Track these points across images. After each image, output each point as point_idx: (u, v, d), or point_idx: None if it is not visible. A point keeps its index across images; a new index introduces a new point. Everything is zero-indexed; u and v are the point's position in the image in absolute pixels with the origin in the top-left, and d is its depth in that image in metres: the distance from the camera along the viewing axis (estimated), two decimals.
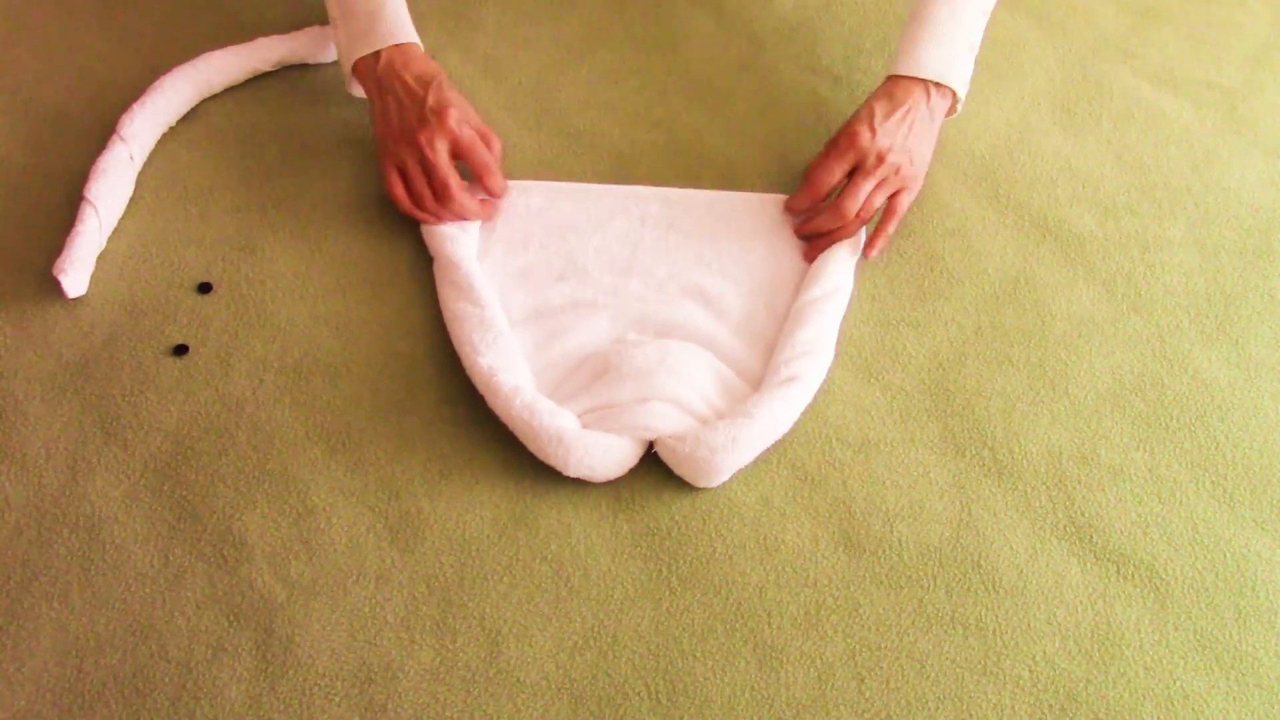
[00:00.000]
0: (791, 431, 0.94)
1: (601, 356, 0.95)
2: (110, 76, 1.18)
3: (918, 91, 1.04)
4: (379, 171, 1.06)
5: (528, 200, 1.07)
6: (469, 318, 0.96)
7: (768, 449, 0.93)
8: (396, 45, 1.05)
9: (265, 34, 1.20)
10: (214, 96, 1.17)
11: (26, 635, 0.83)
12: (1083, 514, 0.90)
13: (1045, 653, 0.83)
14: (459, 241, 1.02)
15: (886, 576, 0.87)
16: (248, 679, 0.81)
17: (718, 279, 1.03)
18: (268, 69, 1.18)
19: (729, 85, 1.20)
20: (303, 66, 1.20)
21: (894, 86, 1.05)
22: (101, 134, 1.11)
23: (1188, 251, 1.07)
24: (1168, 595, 0.86)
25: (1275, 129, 1.18)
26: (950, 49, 1.06)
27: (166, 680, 0.81)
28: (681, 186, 1.10)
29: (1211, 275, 1.05)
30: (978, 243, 1.07)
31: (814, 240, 1.04)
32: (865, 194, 1.02)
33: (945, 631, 0.84)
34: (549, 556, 0.87)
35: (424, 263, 1.04)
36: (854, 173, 1.03)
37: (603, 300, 1.00)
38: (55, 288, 1.00)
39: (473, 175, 1.05)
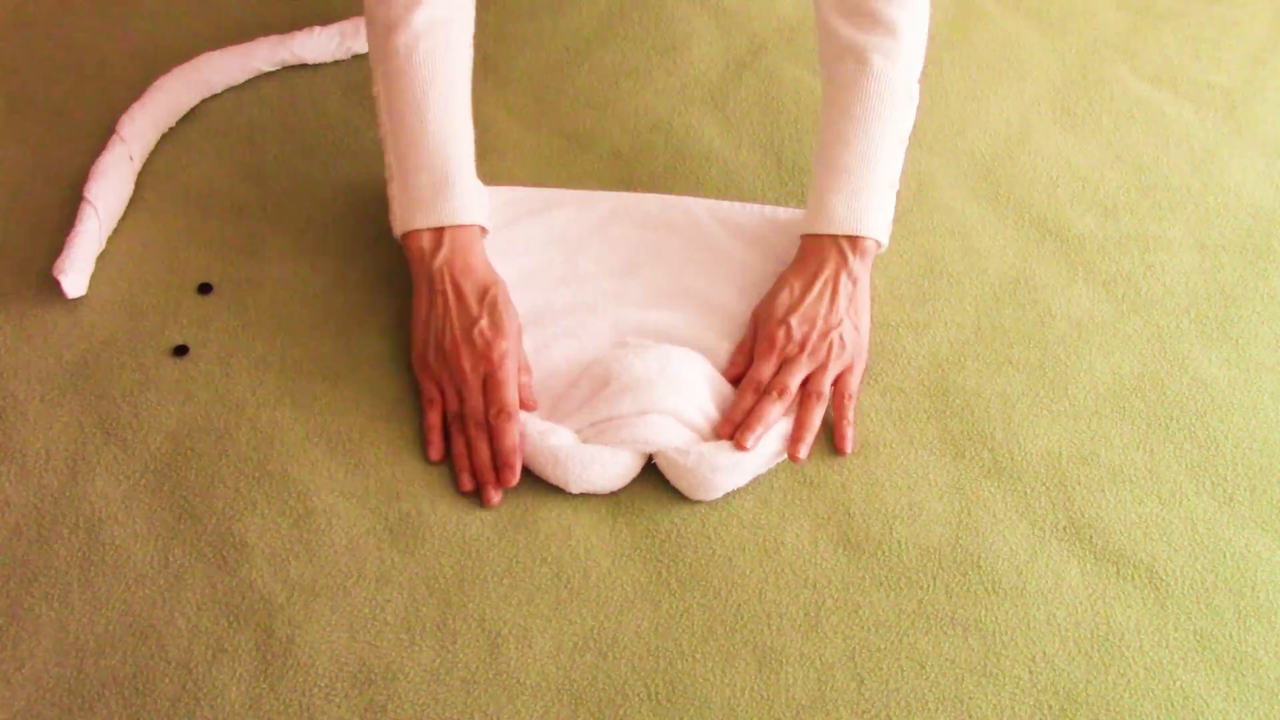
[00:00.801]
0: None
1: (601, 366, 0.94)
2: (110, 77, 1.18)
3: (833, 255, 0.95)
4: (414, 376, 0.96)
5: (528, 206, 1.07)
6: None
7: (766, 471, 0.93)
8: (460, 227, 0.95)
9: (265, 34, 1.20)
10: (214, 96, 1.17)
11: (26, 635, 0.83)
12: (1083, 514, 0.90)
13: (1045, 653, 0.83)
14: None
15: (886, 577, 0.87)
16: (248, 679, 0.81)
17: (716, 287, 1.02)
18: (268, 69, 1.18)
19: (729, 85, 1.20)
20: (302, 66, 1.20)
21: (807, 252, 0.97)
22: (101, 134, 1.11)
23: (1188, 251, 1.07)
24: (1168, 595, 0.86)
25: (1275, 129, 1.18)
26: (868, 196, 0.95)
27: (166, 680, 0.81)
28: (681, 186, 1.10)
29: (1211, 275, 1.05)
30: (978, 243, 1.07)
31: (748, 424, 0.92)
32: (796, 380, 0.93)
33: (945, 631, 0.84)
34: (549, 558, 0.87)
35: None
36: (782, 364, 0.94)
37: (602, 304, 1.00)
38: (55, 288, 1.00)
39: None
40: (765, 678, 0.82)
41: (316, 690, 0.81)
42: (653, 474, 0.91)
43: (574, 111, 1.16)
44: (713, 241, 1.05)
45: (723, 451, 0.89)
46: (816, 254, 0.96)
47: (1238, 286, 1.05)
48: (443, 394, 0.93)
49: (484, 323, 0.92)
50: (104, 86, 1.17)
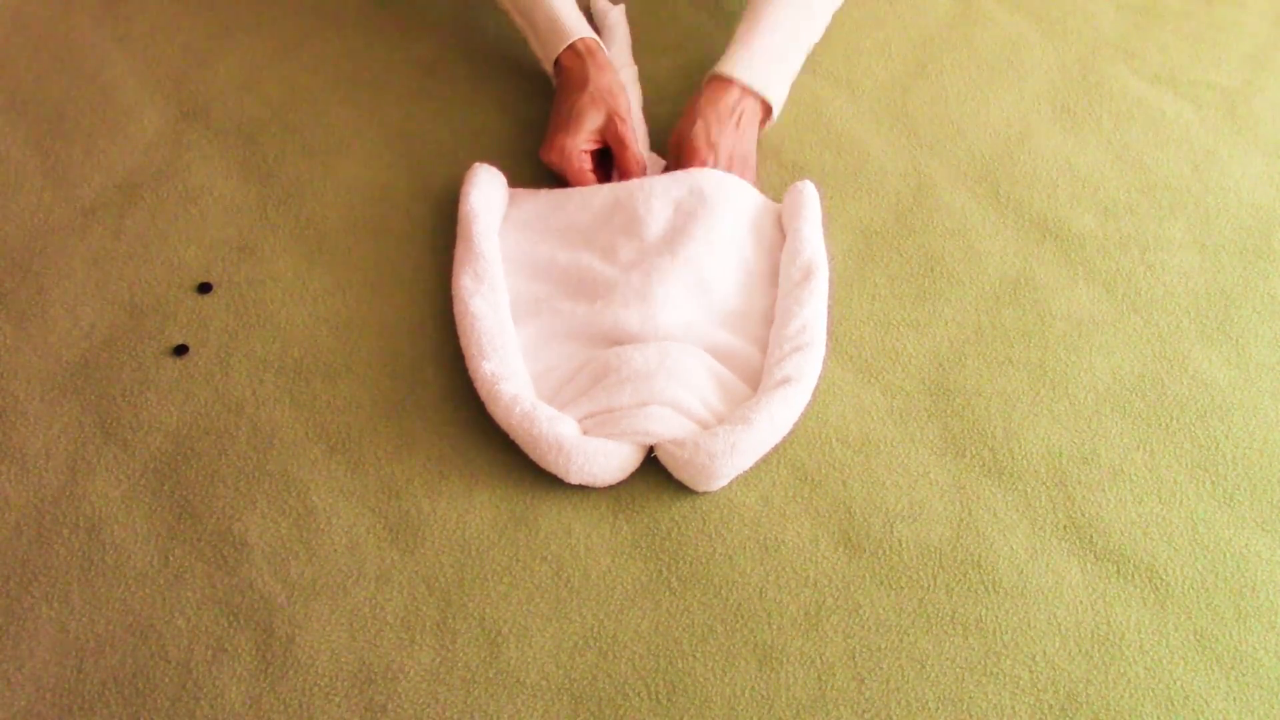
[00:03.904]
0: (791, 432, 0.94)
1: (601, 359, 0.95)
2: (110, 77, 1.18)
3: (743, 97, 1.09)
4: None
5: (534, 204, 1.07)
6: (482, 318, 0.96)
7: (768, 451, 0.92)
8: (583, 41, 1.10)
9: (266, 34, 1.19)
10: (213, 95, 1.17)
11: (26, 635, 0.83)
12: (1083, 514, 0.90)
13: (1045, 653, 0.83)
14: (490, 235, 1.02)
15: (886, 576, 0.87)
16: (248, 679, 0.81)
17: (717, 280, 1.02)
18: None
19: None
20: (302, 66, 1.20)
21: (722, 90, 1.09)
22: (101, 133, 1.11)
23: (1188, 251, 1.07)
24: (1168, 595, 0.86)
25: (1275, 129, 1.18)
26: (781, 63, 1.11)
27: (166, 680, 0.81)
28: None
29: (1211, 275, 1.05)
30: (978, 243, 1.07)
31: None
32: None
33: (945, 631, 0.84)
34: (549, 557, 0.87)
35: (424, 263, 1.04)
36: None
37: (603, 295, 1.00)
38: (54, 287, 1.00)
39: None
40: (765, 676, 0.82)
41: (316, 690, 0.81)
42: (653, 471, 0.91)
43: None
44: (714, 237, 1.04)
45: (718, 438, 0.89)
46: (728, 93, 1.08)
47: (1238, 286, 1.05)
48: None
49: (564, 118, 1.07)
50: (104, 87, 1.17)
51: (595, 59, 1.10)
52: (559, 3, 1.12)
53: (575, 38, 1.10)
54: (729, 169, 1.07)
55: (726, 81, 1.09)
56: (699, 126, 1.07)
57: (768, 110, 1.11)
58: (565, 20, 1.11)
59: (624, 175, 1.08)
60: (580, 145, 1.07)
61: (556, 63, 1.11)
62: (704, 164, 1.06)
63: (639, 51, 1.22)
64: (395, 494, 0.90)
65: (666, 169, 1.10)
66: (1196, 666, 0.83)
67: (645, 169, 1.09)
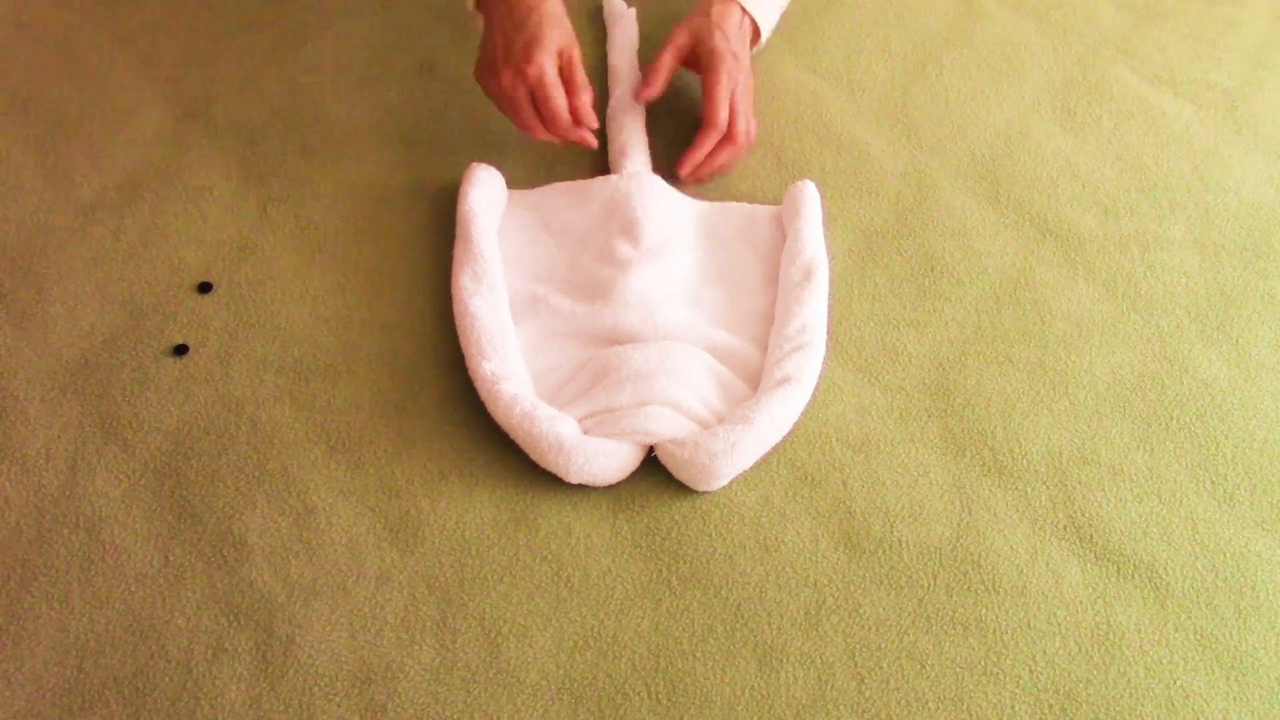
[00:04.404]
0: (791, 431, 0.94)
1: (601, 358, 0.95)
2: (110, 77, 1.18)
3: (743, 17, 1.11)
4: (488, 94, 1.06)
5: (533, 203, 1.07)
6: (482, 318, 0.96)
7: (768, 451, 0.93)
8: None
9: (268, 29, 1.19)
10: (213, 95, 1.17)
11: (26, 635, 0.83)
12: (1083, 514, 0.90)
13: (1045, 653, 0.83)
14: (489, 235, 1.02)
15: (886, 576, 0.87)
16: (248, 679, 0.81)
17: (716, 279, 1.03)
18: None
19: None
20: (302, 64, 1.20)
21: (727, 7, 1.10)
22: (101, 133, 1.11)
23: (1188, 251, 1.07)
24: (1168, 595, 0.86)
25: (1275, 129, 1.18)
26: None
27: (166, 680, 0.81)
28: (680, 185, 1.10)
29: (1211, 275, 1.05)
30: (978, 243, 1.07)
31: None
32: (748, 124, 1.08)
33: (945, 631, 0.84)
34: (549, 556, 0.87)
35: (424, 263, 1.04)
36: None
37: (602, 294, 1.00)
38: (54, 287, 1.00)
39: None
40: (765, 676, 0.82)
41: (316, 690, 0.81)
42: (653, 470, 0.91)
43: None
44: (713, 238, 1.06)
45: (718, 437, 0.89)
46: (731, 11, 1.10)
47: (1238, 286, 1.05)
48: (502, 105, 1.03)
49: (522, 37, 0.99)
50: (105, 87, 1.17)
51: None
52: None
53: None
54: (747, 85, 1.08)
55: (731, 2, 1.10)
56: (719, 37, 1.07)
57: (756, 35, 1.14)
58: None
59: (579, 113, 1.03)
60: (550, 57, 1.00)
61: None
62: (731, 77, 1.06)
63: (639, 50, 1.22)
64: (395, 494, 0.90)
65: (716, 90, 1.07)
66: (1196, 666, 0.83)
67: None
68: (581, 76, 1.03)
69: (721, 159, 1.08)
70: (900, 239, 1.07)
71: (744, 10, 1.11)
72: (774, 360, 0.95)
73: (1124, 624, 0.85)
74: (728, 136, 1.07)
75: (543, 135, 1.03)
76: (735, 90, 1.07)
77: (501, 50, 1.01)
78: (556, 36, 1.01)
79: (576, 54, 1.03)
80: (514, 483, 0.91)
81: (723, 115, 1.06)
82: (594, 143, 1.04)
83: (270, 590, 0.85)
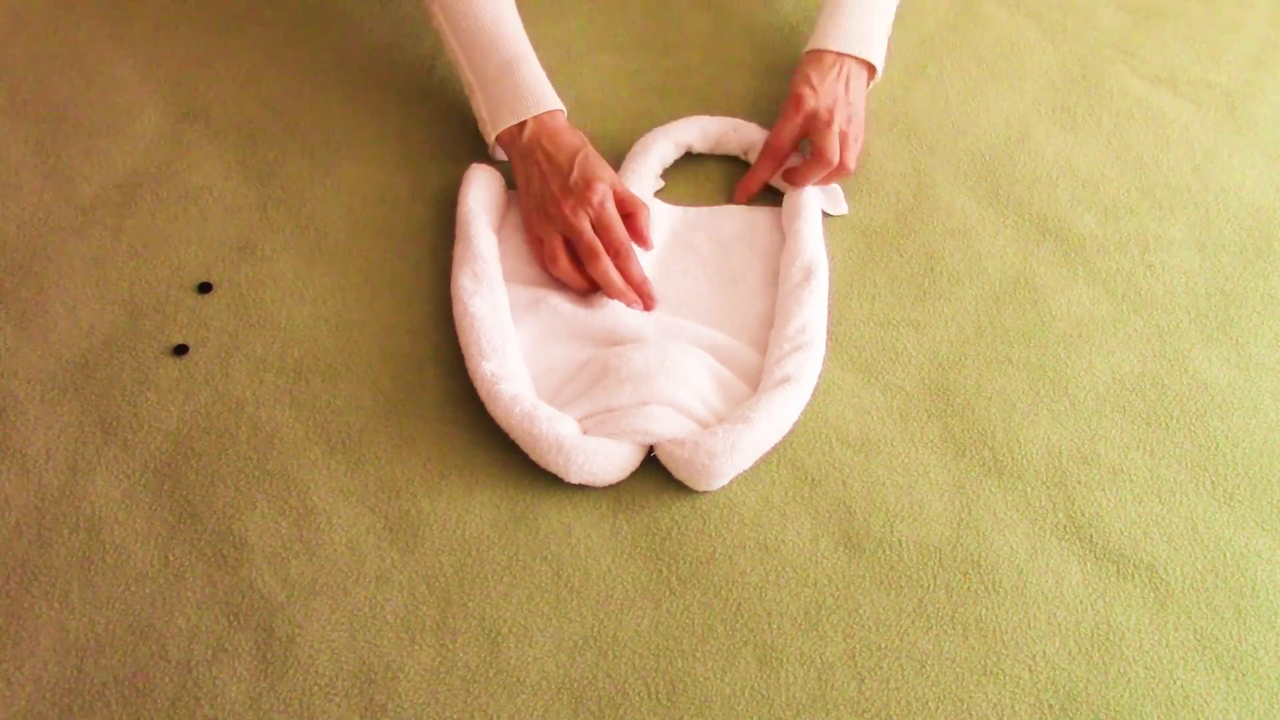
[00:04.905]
0: (791, 431, 0.94)
1: (601, 359, 0.95)
2: (111, 77, 1.18)
3: (840, 59, 1.10)
4: (529, 238, 1.04)
5: None
6: (482, 318, 0.96)
7: (767, 450, 0.93)
8: (542, 115, 1.05)
9: (266, 29, 1.20)
10: (213, 95, 1.17)
11: (26, 635, 0.83)
12: (1083, 514, 0.90)
13: (1045, 653, 0.83)
14: (488, 235, 1.02)
15: (886, 576, 0.87)
16: (248, 679, 0.81)
17: (716, 280, 1.03)
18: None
19: (729, 86, 1.20)
20: (301, 62, 1.20)
21: (819, 57, 1.10)
22: (101, 133, 1.11)
23: (1188, 251, 1.07)
24: (1168, 595, 0.86)
25: (1275, 129, 1.18)
26: (869, 25, 1.11)
27: (166, 680, 0.81)
28: (682, 188, 1.10)
29: (1211, 275, 1.05)
30: (978, 243, 1.07)
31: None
32: (837, 142, 1.06)
33: (945, 631, 0.84)
34: (549, 556, 0.87)
35: (424, 263, 1.04)
36: (813, 137, 1.07)
37: (602, 295, 1.00)
38: (54, 287, 1.00)
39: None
40: (765, 676, 0.82)
41: (316, 690, 0.81)
42: (653, 470, 0.91)
43: (574, 112, 1.16)
44: (714, 242, 1.06)
45: (718, 437, 0.89)
46: (829, 57, 1.10)
47: (1238, 286, 1.05)
48: (554, 248, 1.01)
49: (575, 174, 1.01)
50: (105, 87, 1.17)
51: (569, 128, 1.06)
52: (535, 66, 1.07)
53: (557, 105, 1.06)
54: (831, 113, 1.06)
55: (820, 52, 1.10)
56: (799, 77, 1.09)
57: (871, 69, 1.12)
58: (544, 84, 1.06)
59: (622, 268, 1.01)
60: (609, 188, 1.01)
61: (524, 125, 1.04)
62: (808, 104, 1.06)
63: (638, 52, 1.22)
64: (395, 494, 0.90)
65: (776, 127, 1.08)
66: (1196, 666, 0.83)
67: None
68: (636, 199, 1.03)
69: (816, 176, 1.08)
70: (900, 239, 1.07)
71: (839, 54, 1.09)
72: (774, 360, 0.95)
73: (1124, 624, 0.85)
74: (820, 159, 1.06)
75: (580, 286, 1.01)
76: (814, 129, 1.07)
77: (556, 186, 1.01)
78: (609, 174, 1.02)
79: (623, 189, 1.03)
80: (514, 483, 0.91)
81: (778, 147, 1.08)
82: (651, 306, 1.01)
83: (270, 590, 0.85)
